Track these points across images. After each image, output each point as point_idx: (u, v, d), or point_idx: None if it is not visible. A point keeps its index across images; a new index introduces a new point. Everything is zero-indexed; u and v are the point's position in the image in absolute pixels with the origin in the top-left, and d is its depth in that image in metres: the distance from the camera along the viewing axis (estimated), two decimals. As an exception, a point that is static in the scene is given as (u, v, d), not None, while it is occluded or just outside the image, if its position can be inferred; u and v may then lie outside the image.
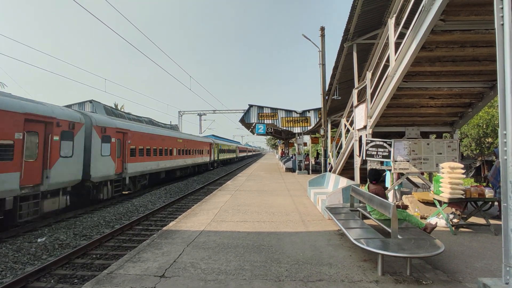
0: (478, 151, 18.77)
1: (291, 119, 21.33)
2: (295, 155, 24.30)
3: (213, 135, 50.81)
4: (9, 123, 8.08)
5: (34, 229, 8.76)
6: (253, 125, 22.19)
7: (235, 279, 3.84)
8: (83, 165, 11.26)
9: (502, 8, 3.19)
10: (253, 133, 30.97)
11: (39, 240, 7.72)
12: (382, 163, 8.04)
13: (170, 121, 45.18)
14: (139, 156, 15.97)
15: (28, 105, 8.83)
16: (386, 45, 7.00)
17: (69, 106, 21.81)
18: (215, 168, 35.97)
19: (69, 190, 10.52)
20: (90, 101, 23.21)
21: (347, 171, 11.78)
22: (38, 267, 5.80)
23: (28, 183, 8.69)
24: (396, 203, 7.86)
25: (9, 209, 7.97)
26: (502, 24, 3.19)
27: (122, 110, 41.96)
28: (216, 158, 36.10)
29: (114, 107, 39.48)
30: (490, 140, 18.22)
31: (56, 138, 9.78)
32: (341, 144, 12.96)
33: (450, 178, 5.86)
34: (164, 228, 6.49)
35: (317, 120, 20.38)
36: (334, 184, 9.29)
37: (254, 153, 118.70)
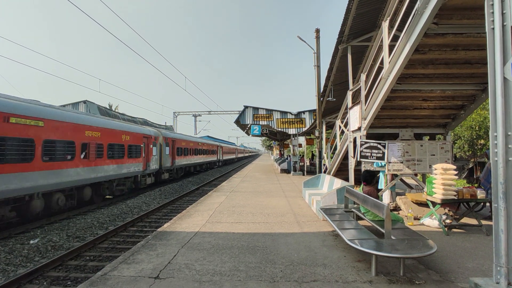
0: (470, 152, 19.01)
1: (286, 120, 21.39)
2: (290, 156, 24.35)
3: (208, 136, 50.70)
4: (139, 139, 16.00)
5: (27, 230, 8.66)
6: (248, 126, 22.20)
7: (230, 280, 3.84)
8: (159, 160, 18.85)
9: (492, 12, 3.25)
10: (248, 134, 30.99)
11: (31, 241, 7.63)
12: (373, 164, 8.12)
13: (165, 122, 45.01)
14: (180, 155, 23.45)
15: (143, 129, 17.06)
16: (380, 48, 7.07)
17: (63, 106, 21.62)
18: (220, 166, 44.52)
19: (153, 174, 18.31)
20: (84, 102, 23.05)
21: (341, 172, 11.85)
22: (30, 269, 5.72)
23: (143, 169, 16.38)
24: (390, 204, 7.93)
25: (138, 181, 16.14)
26: (493, 28, 3.26)
27: (116, 110, 41.67)
28: (221, 158, 45.21)
29: (108, 107, 39.21)
30: (482, 141, 18.46)
31: (150, 145, 17.45)
32: (335, 146, 13.04)
33: (443, 179, 5.93)
34: (159, 229, 6.46)
35: (312, 121, 20.47)
36: (328, 185, 9.33)
37: (250, 154, 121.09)
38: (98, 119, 12.80)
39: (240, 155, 77.94)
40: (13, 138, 8.23)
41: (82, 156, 11.03)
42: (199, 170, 31.90)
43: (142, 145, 16.10)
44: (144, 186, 17.02)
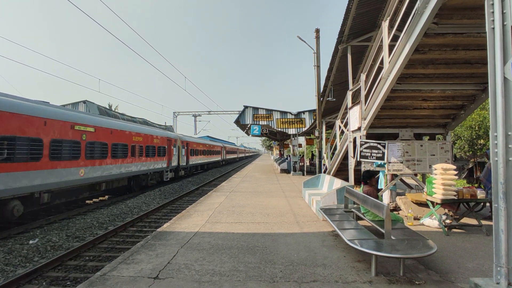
0: (471, 152, 19.00)
1: (286, 120, 21.38)
2: (289, 156, 24.35)
3: (208, 136, 50.74)
4: (219, 147, 41.63)
5: (26, 230, 8.65)
6: (248, 126, 22.19)
7: (230, 280, 3.83)
8: (221, 156, 42.14)
9: (492, 12, 3.24)
10: (248, 134, 31.00)
11: (31, 242, 7.62)
12: (372, 164, 8.12)
13: (165, 122, 45.10)
14: (228, 154, 47.17)
15: (221, 144, 45.43)
16: (380, 48, 7.07)
17: (63, 106, 21.58)
18: (239, 160, 67.69)
19: (222, 162, 45.98)
20: (84, 102, 23.02)
21: (341, 172, 11.84)
22: (29, 269, 5.71)
23: (220, 159, 44.24)
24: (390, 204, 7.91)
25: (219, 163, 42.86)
26: (493, 28, 3.25)
27: (116, 110, 41.66)
28: (238, 156, 66.81)
29: (108, 107, 39.20)
30: (482, 141, 18.46)
31: (222, 150, 43.98)
32: (335, 146, 13.03)
33: (443, 179, 5.92)
34: (158, 229, 6.45)
35: (312, 121, 20.46)
36: (328, 185, 9.32)
37: (251, 154, 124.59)
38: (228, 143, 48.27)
39: (247, 154, 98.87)
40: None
41: (210, 154, 28.59)
42: (230, 162, 51.79)
43: (220, 150, 36.03)
44: (222, 165, 37.88)
